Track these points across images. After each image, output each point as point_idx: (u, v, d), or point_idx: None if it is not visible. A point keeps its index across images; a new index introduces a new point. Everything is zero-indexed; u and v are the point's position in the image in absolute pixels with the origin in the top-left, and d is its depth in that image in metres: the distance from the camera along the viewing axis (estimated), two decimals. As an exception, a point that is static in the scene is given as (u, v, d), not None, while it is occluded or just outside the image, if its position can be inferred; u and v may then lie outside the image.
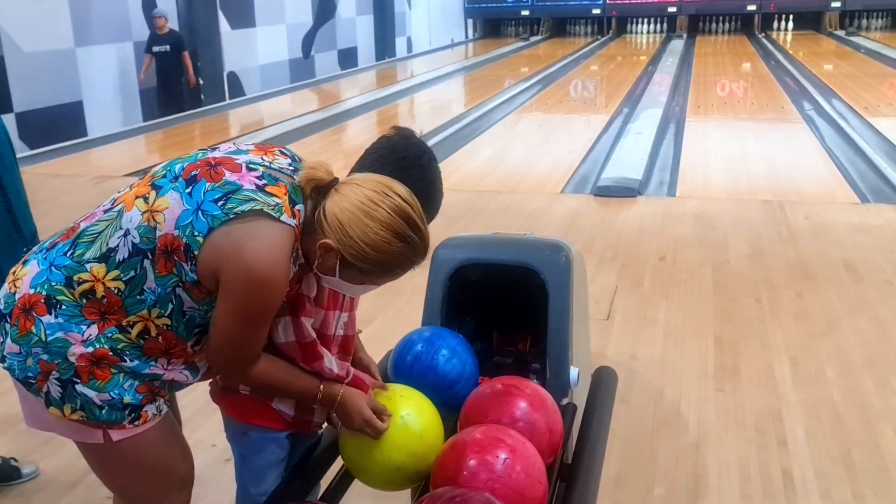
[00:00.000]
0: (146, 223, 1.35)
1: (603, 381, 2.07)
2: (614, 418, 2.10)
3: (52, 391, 1.37)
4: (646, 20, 18.01)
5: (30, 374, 1.37)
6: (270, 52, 12.97)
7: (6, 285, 1.44)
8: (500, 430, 1.55)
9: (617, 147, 6.83)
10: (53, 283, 1.38)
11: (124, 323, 1.38)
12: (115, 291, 1.37)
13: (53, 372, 1.36)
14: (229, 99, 11.17)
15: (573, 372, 2.00)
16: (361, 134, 8.73)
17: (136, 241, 1.35)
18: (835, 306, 3.51)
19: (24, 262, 1.45)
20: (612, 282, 3.87)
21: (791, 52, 13.93)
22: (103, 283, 1.36)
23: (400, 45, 18.45)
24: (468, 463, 1.46)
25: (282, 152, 1.47)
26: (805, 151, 6.64)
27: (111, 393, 1.38)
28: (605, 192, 5.39)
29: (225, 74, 11.51)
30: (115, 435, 1.42)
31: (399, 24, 18.40)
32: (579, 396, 2.06)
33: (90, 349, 1.36)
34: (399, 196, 1.38)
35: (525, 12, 18.18)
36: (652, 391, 2.83)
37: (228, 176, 1.36)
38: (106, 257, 1.37)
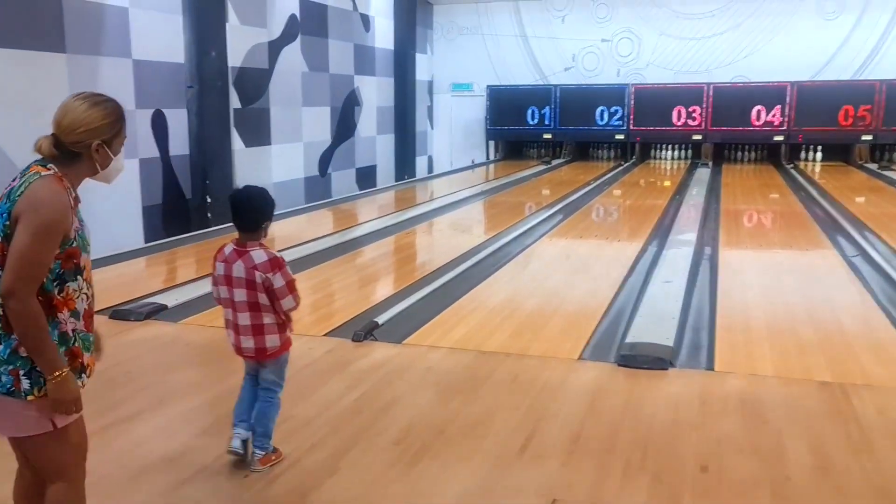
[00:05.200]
0: None
1: None
2: None
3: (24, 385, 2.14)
4: (670, 146, 17.75)
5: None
6: (285, 169, 12.70)
7: None
8: None
9: (644, 298, 6.10)
10: None
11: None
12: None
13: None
14: (237, 218, 10.74)
15: None
16: (378, 261, 8.16)
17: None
18: (939, 562, 2.66)
19: None
20: (643, 502, 3.05)
21: (821, 184, 13.40)
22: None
23: (420, 163, 18.30)
24: None
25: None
26: (861, 313, 5.86)
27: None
28: (630, 363, 4.61)
29: (235, 193, 11.16)
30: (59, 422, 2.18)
31: (420, 144, 18.32)
32: None
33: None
34: (79, 95, 2.31)
35: (547, 136, 18.02)
36: None
37: None
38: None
